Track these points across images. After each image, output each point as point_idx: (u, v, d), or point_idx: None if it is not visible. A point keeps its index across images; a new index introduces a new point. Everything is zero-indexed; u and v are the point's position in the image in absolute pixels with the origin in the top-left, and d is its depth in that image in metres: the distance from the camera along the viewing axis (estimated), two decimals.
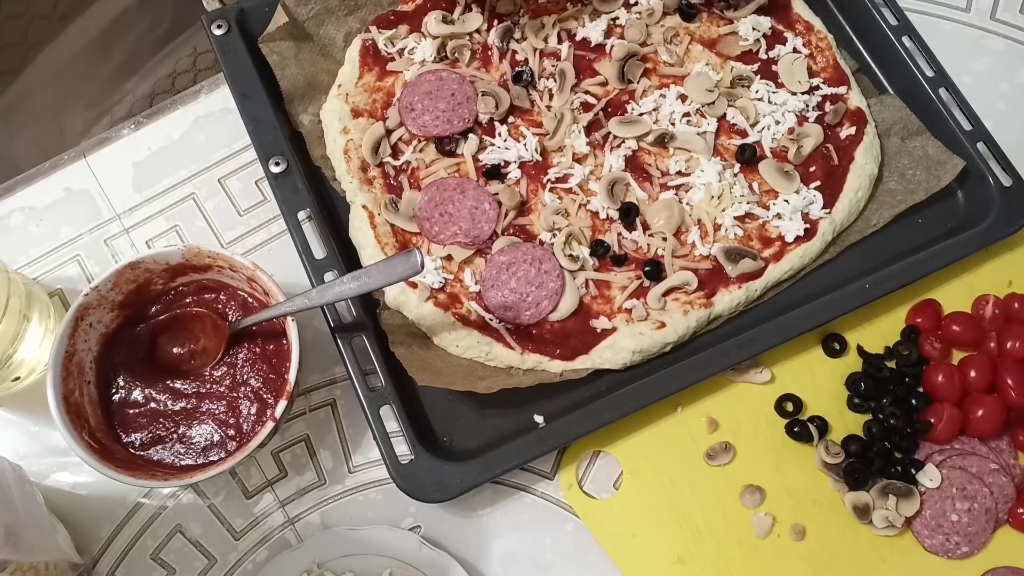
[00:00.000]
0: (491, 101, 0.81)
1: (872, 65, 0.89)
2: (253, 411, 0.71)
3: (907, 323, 0.81)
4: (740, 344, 0.75)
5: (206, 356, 0.72)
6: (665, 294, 0.77)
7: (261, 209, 0.83)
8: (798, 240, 0.80)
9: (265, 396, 0.71)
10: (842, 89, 0.85)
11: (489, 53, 0.84)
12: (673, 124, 0.82)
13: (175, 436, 0.70)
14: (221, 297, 0.74)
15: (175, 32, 1.22)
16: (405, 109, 0.80)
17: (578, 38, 0.85)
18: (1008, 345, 0.78)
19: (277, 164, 0.77)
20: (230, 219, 0.82)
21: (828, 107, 0.84)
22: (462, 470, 0.70)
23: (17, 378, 0.74)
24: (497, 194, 0.78)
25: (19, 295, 0.71)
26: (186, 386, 0.72)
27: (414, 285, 0.75)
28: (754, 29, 0.85)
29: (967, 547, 0.73)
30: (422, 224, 0.77)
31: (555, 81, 0.83)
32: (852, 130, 0.83)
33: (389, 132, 0.80)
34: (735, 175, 0.81)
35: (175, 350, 0.72)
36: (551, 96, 0.82)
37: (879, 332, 0.80)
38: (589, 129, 0.82)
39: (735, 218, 0.80)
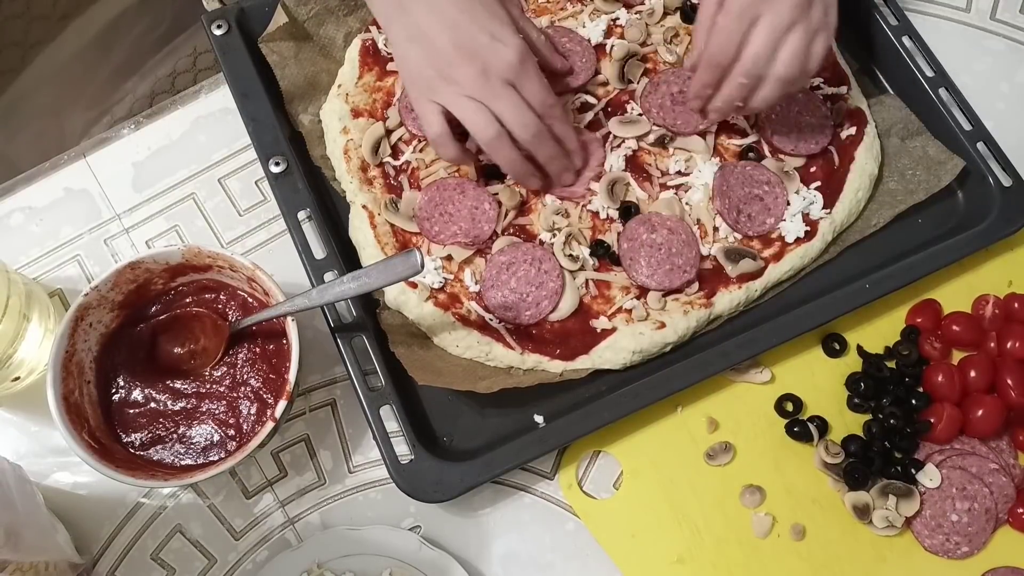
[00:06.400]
0: None
1: (872, 65, 0.89)
2: (253, 411, 0.71)
3: (907, 323, 0.81)
4: (740, 344, 0.75)
5: (206, 356, 0.72)
6: (665, 294, 0.77)
7: (261, 209, 0.83)
8: (798, 241, 0.80)
9: (265, 396, 0.71)
10: (842, 89, 0.85)
11: None
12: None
13: (175, 436, 0.70)
14: (221, 297, 0.74)
15: (175, 32, 1.22)
16: (405, 109, 0.80)
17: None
18: (1008, 345, 0.78)
19: (277, 164, 0.77)
20: (230, 219, 0.82)
21: (828, 107, 0.84)
22: (462, 470, 0.70)
23: (17, 378, 0.74)
24: (497, 194, 0.78)
25: (19, 295, 0.71)
26: (186, 386, 0.72)
27: (414, 285, 0.75)
28: None
29: (967, 547, 0.73)
30: (422, 224, 0.77)
31: None
32: (852, 130, 0.83)
33: (389, 132, 0.80)
34: None
35: (175, 350, 0.72)
36: None
37: (879, 332, 0.80)
38: (589, 129, 0.82)
39: None
